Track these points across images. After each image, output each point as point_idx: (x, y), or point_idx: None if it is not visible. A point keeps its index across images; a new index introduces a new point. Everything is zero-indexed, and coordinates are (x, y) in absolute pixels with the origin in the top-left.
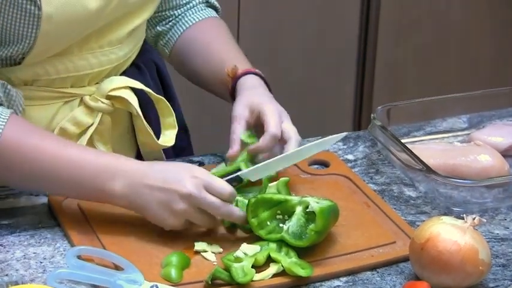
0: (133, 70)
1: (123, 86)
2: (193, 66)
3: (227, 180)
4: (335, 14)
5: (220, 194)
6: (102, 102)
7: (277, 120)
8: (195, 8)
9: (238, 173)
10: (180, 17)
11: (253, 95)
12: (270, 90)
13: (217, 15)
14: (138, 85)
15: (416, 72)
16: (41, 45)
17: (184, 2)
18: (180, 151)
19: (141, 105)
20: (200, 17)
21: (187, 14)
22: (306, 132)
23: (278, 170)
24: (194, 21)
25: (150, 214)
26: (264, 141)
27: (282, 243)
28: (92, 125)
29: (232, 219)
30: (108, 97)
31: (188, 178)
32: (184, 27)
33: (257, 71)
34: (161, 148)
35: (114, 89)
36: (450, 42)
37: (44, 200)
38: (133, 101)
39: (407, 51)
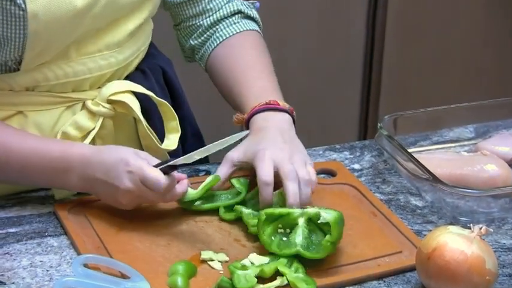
0: (138, 74)
1: (125, 90)
2: (220, 88)
3: (163, 169)
4: (341, 22)
5: (155, 189)
6: (103, 106)
7: (267, 169)
8: (228, 20)
9: (171, 162)
10: (213, 30)
11: (253, 143)
12: (292, 117)
13: (255, 27)
14: (140, 89)
15: (423, 81)
16: (33, 46)
17: (209, 7)
18: None
19: (146, 109)
20: (233, 31)
21: (220, 28)
22: (312, 141)
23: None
24: (226, 37)
25: (104, 201)
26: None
27: (293, 259)
28: (93, 129)
29: (175, 200)
30: (110, 101)
31: (124, 174)
32: (216, 43)
33: (271, 101)
34: (164, 152)
35: (115, 93)
36: (457, 50)
37: (50, 208)
38: (135, 105)
39: (413, 59)
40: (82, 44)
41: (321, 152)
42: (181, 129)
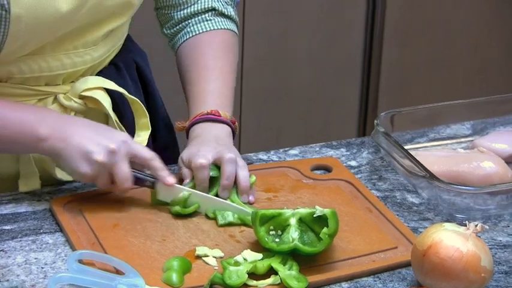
0: (111, 70)
1: (97, 87)
2: (181, 82)
3: (139, 178)
4: (340, 20)
5: (141, 158)
6: (74, 101)
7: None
8: (200, 16)
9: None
10: (184, 24)
11: (189, 150)
12: (232, 128)
13: (229, 26)
14: (112, 86)
15: (422, 78)
16: (12, 44)
17: (182, 0)
18: (163, 150)
19: (118, 104)
20: (203, 28)
21: (191, 24)
22: (311, 138)
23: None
24: (194, 33)
25: (66, 158)
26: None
27: (288, 256)
28: None
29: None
30: (81, 97)
31: (119, 138)
32: (184, 38)
33: (213, 112)
34: None
35: (87, 89)
36: (456, 48)
37: (45, 205)
38: (105, 101)
39: (412, 56)
40: (59, 41)
41: (317, 149)
42: (153, 121)
